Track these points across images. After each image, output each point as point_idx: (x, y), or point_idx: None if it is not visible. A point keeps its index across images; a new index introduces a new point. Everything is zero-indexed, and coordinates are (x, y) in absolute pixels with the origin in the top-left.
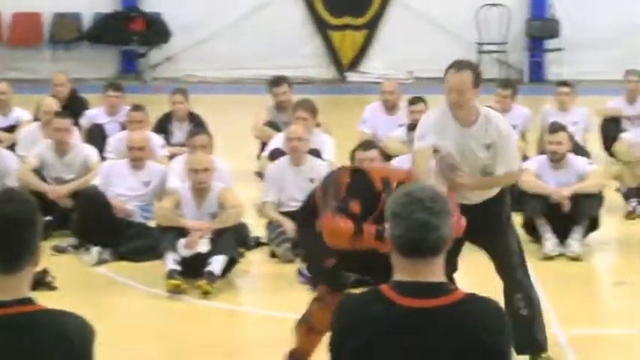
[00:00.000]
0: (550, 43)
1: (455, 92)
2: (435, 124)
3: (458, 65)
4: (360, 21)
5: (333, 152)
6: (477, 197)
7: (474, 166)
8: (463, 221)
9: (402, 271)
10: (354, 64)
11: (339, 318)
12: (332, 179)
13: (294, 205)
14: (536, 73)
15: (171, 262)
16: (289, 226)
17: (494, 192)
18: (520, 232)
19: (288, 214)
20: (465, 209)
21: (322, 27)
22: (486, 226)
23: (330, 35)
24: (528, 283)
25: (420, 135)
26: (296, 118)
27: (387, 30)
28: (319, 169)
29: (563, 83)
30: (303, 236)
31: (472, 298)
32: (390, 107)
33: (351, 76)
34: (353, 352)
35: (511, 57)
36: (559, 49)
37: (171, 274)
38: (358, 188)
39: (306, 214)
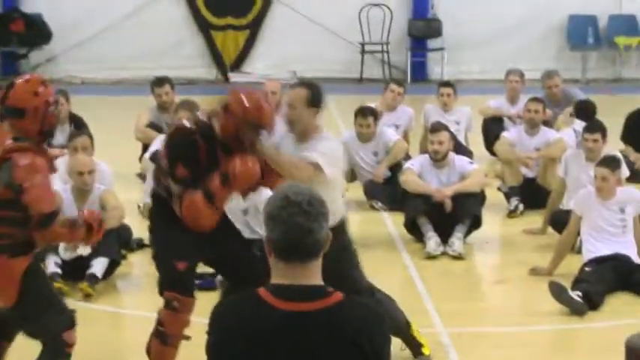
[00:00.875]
0: (432, 43)
1: (287, 106)
2: (281, 135)
3: (298, 82)
4: (242, 21)
5: None
6: None
7: None
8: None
9: (280, 275)
10: (237, 65)
11: (216, 322)
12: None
13: None
14: (419, 72)
15: (52, 265)
16: None
17: None
18: (402, 231)
19: None
20: None
21: (205, 27)
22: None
23: (213, 35)
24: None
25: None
26: (178, 119)
27: (270, 30)
28: None
29: (445, 83)
30: (156, 236)
31: (350, 301)
32: (273, 107)
33: (234, 77)
34: (231, 357)
35: (394, 57)
36: (441, 49)
37: (52, 277)
38: (175, 145)
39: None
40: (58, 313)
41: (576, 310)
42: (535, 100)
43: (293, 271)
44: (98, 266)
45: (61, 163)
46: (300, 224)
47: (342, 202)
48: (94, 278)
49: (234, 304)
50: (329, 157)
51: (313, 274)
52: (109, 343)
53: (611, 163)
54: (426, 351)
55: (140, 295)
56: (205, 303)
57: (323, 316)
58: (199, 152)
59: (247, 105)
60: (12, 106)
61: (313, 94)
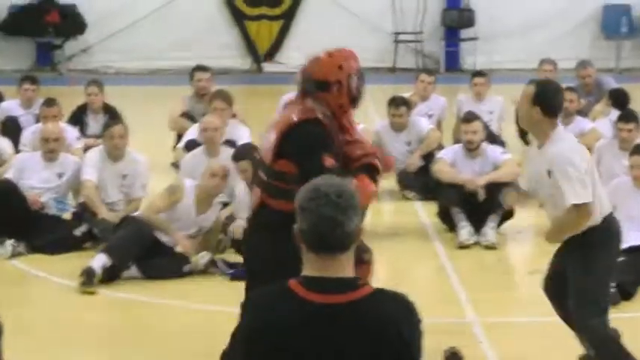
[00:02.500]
0: (465, 33)
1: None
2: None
3: (531, 81)
4: (276, 11)
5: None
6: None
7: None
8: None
9: (311, 266)
10: (270, 55)
11: (248, 315)
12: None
13: None
14: (452, 62)
15: (99, 262)
16: None
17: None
18: (435, 221)
19: None
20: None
21: (239, 17)
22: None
23: (247, 25)
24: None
25: None
26: (212, 109)
27: (304, 20)
28: None
29: (478, 73)
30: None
31: (381, 293)
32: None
33: (268, 67)
34: (264, 350)
35: (427, 47)
36: (474, 39)
37: (88, 272)
38: (314, 136)
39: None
40: None
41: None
42: (569, 89)
43: (323, 263)
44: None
45: (96, 152)
46: (329, 216)
47: (599, 200)
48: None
49: (265, 297)
50: (575, 174)
51: (344, 266)
52: (134, 330)
53: None
54: None
55: (160, 284)
56: (235, 293)
57: (352, 309)
58: (333, 141)
59: (336, 59)
60: (317, 79)
61: (539, 92)
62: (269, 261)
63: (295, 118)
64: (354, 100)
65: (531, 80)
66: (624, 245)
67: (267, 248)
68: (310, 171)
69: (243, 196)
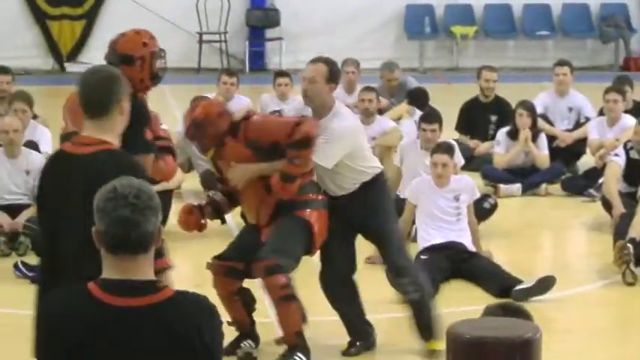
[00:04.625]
0: (270, 33)
1: (307, 81)
2: (297, 109)
3: (316, 58)
4: (78, 10)
5: (50, 144)
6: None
7: None
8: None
9: (110, 269)
10: (73, 55)
11: (46, 318)
12: None
13: (10, 198)
14: (257, 62)
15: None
16: (4, 220)
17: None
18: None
19: (4, 207)
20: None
21: (40, 17)
22: (364, 214)
23: (49, 25)
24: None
25: None
26: (12, 111)
27: (107, 20)
28: (35, 161)
29: (281, 73)
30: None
31: (182, 296)
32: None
33: (71, 67)
34: (62, 354)
35: (232, 47)
36: (279, 39)
37: None
38: None
39: None
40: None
41: None
42: (367, 89)
43: (122, 265)
44: None
45: None
46: (125, 217)
47: (370, 163)
48: None
49: (63, 300)
50: (329, 143)
51: (143, 269)
52: None
53: (448, 149)
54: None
55: None
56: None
57: (152, 312)
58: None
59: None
60: (122, 53)
61: (332, 70)
62: None
63: None
64: (154, 77)
65: (315, 58)
66: (425, 244)
67: None
68: (134, 144)
69: None
